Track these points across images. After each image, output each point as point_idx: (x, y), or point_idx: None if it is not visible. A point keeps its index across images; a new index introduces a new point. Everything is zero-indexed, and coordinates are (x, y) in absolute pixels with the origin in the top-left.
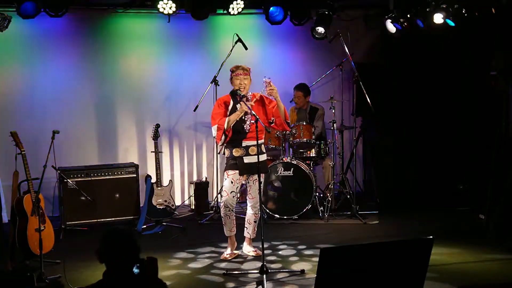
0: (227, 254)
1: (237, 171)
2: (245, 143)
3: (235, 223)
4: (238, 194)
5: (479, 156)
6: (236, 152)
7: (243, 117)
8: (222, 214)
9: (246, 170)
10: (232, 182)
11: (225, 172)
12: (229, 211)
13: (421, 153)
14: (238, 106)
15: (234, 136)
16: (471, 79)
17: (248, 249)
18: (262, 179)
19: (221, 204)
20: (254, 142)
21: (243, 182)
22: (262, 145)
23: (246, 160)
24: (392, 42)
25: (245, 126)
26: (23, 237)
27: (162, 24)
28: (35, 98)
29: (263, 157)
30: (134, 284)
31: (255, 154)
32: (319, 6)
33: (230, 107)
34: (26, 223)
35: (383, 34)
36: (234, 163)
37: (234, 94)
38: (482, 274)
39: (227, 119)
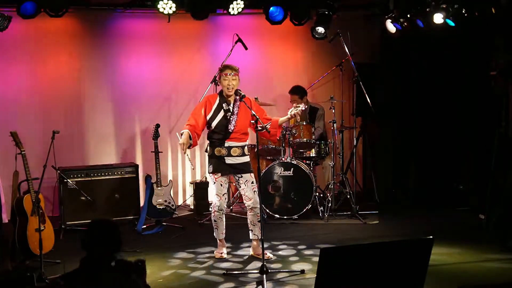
0: (221, 253)
1: (220, 173)
2: (228, 143)
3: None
4: (226, 191)
5: (479, 156)
6: (218, 152)
7: (227, 117)
8: (214, 218)
9: (228, 170)
10: (221, 185)
11: (211, 175)
12: (222, 214)
13: (421, 153)
14: (224, 105)
15: (218, 135)
16: (471, 79)
17: (259, 252)
18: (253, 179)
19: (215, 208)
20: (238, 144)
21: (230, 181)
22: (246, 147)
23: (228, 161)
24: (392, 42)
25: (229, 126)
26: (23, 237)
27: (162, 24)
28: (35, 98)
29: (245, 159)
30: (110, 275)
31: (237, 155)
32: (319, 6)
33: (214, 107)
34: (26, 223)
35: (383, 34)
36: (215, 164)
37: (222, 94)
38: (482, 274)
39: (186, 133)
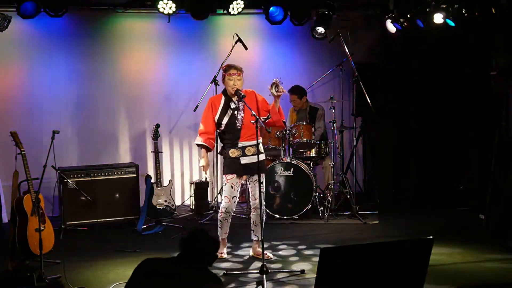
0: (221, 252)
1: (235, 175)
2: (241, 143)
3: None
4: (238, 195)
5: (479, 156)
6: (233, 153)
7: (235, 115)
8: (220, 218)
9: (243, 171)
10: (232, 187)
11: (223, 176)
12: (229, 216)
13: (421, 153)
14: (231, 104)
15: (229, 135)
16: (471, 79)
17: (259, 252)
18: (263, 179)
19: (222, 209)
20: (251, 143)
21: (243, 183)
22: (260, 145)
23: (243, 161)
24: (392, 42)
25: (237, 124)
26: (23, 237)
27: (162, 24)
28: (35, 98)
29: (262, 157)
30: (194, 276)
31: (252, 155)
32: (319, 6)
33: (220, 107)
34: (26, 223)
35: (383, 34)
36: (230, 166)
37: (227, 93)
38: (482, 274)
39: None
